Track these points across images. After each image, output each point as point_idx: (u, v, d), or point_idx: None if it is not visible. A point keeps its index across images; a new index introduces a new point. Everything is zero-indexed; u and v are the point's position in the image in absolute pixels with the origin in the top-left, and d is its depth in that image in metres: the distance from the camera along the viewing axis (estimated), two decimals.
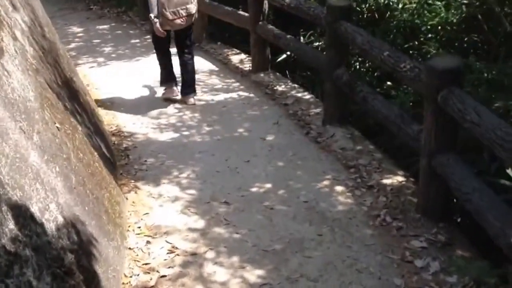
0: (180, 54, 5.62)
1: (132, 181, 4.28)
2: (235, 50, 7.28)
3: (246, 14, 6.44)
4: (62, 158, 3.06)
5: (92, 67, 6.96)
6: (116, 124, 5.33)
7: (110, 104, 5.78)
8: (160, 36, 5.30)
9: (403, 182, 4.20)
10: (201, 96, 5.88)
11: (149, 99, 5.87)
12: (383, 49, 4.20)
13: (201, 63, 6.82)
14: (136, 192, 4.12)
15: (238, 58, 6.99)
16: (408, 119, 4.10)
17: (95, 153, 3.83)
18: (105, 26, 8.74)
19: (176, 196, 4.09)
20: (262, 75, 6.33)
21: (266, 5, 6.19)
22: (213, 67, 6.71)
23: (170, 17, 5.13)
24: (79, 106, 4.25)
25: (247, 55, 6.97)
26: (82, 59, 7.33)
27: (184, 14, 5.19)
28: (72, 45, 7.97)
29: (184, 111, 5.55)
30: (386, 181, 4.22)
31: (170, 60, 5.71)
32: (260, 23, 6.21)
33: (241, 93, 5.94)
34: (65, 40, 8.17)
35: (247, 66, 6.65)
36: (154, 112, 5.55)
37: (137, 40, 7.99)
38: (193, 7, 5.23)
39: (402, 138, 4.15)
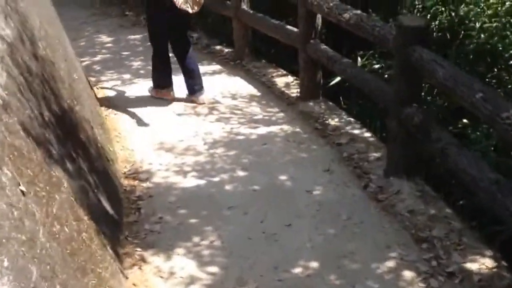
0: (176, 50, 5.40)
1: (139, 249, 3.31)
2: (282, 70, 6.26)
3: (295, 30, 5.42)
4: (19, 241, 2.11)
5: (116, 85, 6.06)
6: (132, 162, 4.39)
7: (129, 135, 4.85)
8: (161, 21, 5.03)
9: (495, 269, 3.12)
10: (237, 128, 4.89)
11: (175, 130, 4.91)
12: (474, 89, 3.12)
13: (241, 86, 5.84)
14: (140, 268, 3.15)
15: (284, 81, 5.97)
16: (508, 187, 3.01)
17: (86, 217, 2.87)
18: (137, 36, 7.86)
19: (192, 277, 3.10)
20: (311, 104, 5.30)
21: (319, 20, 5.15)
22: (255, 91, 5.71)
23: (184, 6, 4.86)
24: (76, 147, 3.31)
25: (295, 78, 5.95)
26: (106, 75, 6.44)
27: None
28: (98, 57, 7.11)
29: (216, 148, 4.56)
30: (471, 265, 3.15)
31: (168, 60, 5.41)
32: (312, 41, 5.18)
33: (285, 126, 4.92)
34: (92, 50, 7.34)
35: (295, 91, 5.63)
36: (179, 147, 4.59)
37: (171, 55, 7.04)
38: None
39: (497, 212, 3.07)
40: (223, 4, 6.80)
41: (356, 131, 4.76)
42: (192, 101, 5.38)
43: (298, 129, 4.86)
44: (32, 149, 2.50)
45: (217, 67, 6.49)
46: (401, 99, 3.82)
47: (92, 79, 6.30)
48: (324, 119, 5.02)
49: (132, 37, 7.89)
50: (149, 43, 5.65)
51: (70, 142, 3.23)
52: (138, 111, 5.31)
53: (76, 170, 3.10)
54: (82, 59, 6.98)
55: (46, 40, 3.71)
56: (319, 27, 5.18)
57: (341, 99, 5.78)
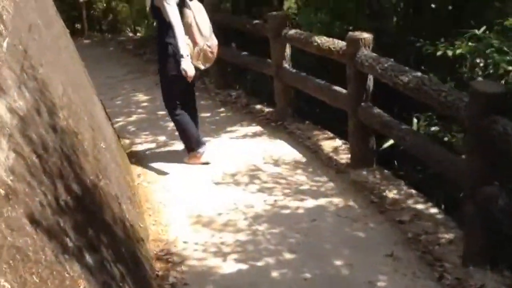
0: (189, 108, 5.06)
1: None
2: (328, 133, 5.76)
3: (344, 91, 4.94)
4: None
5: (150, 148, 5.63)
6: (165, 241, 3.89)
7: (162, 207, 4.37)
8: (186, 81, 4.72)
9: None
10: (282, 200, 4.37)
11: (213, 201, 4.42)
12: None
13: (284, 150, 5.35)
14: None
15: (331, 145, 5.46)
16: None
17: None
18: None
19: None
20: (364, 172, 4.75)
21: (371, 81, 4.67)
22: (299, 157, 5.20)
23: (202, 43, 4.76)
24: (99, 233, 2.83)
25: (343, 142, 5.44)
26: (140, 136, 6.04)
27: (214, 50, 4.87)
28: (133, 117, 6.74)
29: (258, 224, 4.04)
30: None
31: (196, 119, 5.15)
32: (363, 104, 4.69)
33: (336, 199, 4.38)
34: (127, 110, 6.99)
35: (344, 157, 5.10)
36: (217, 222, 4.09)
37: (208, 114, 6.64)
38: (214, 45, 4.88)
39: None
40: (264, 62, 6.40)
41: (420, 206, 4.19)
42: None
43: (351, 203, 4.31)
44: (40, 248, 2.02)
45: (257, 128, 6.03)
46: (477, 176, 3.27)
47: (126, 141, 5.91)
48: (380, 190, 4.47)
49: None
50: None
51: (91, 228, 2.76)
52: (173, 178, 4.85)
53: (98, 262, 2.61)
54: (117, 120, 6.63)
55: (69, 109, 3.30)
56: (371, 89, 4.70)
57: (395, 163, 5.22)
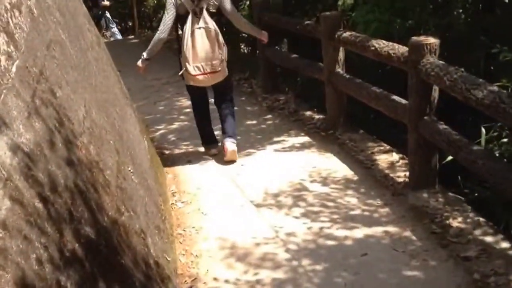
0: (218, 109, 5.23)
1: None
2: (384, 145, 5.18)
3: (404, 102, 4.36)
4: None
5: (189, 162, 5.21)
6: (194, 276, 3.44)
7: (195, 234, 3.93)
8: (193, 86, 5.00)
9: None
10: (328, 228, 3.85)
11: (251, 227, 3.94)
12: None
13: (334, 165, 4.82)
14: None
15: (387, 159, 4.89)
16: None
17: None
18: None
19: None
20: (425, 195, 4.17)
21: (436, 92, 4.07)
22: (351, 174, 4.65)
23: (193, 72, 4.77)
24: (113, 283, 2.41)
25: (401, 156, 4.86)
26: (180, 147, 5.63)
27: (208, 70, 4.78)
28: (175, 124, 6.34)
29: (300, 258, 3.54)
30: None
31: (206, 116, 5.26)
32: (426, 118, 4.09)
33: (391, 228, 3.82)
34: (169, 117, 6.61)
35: (402, 175, 4.52)
36: (254, 254, 3.62)
37: (253, 122, 6.18)
38: (218, 64, 4.79)
39: None
40: (315, 66, 5.86)
41: (489, 238, 3.59)
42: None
43: (408, 233, 3.75)
44: None
45: (305, 139, 5.51)
46: None
47: (166, 152, 5.51)
48: (443, 217, 3.88)
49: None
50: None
51: (103, 279, 2.33)
52: (210, 198, 4.41)
53: None
54: (157, 127, 6.28)
55: (90, 134, 2.90)
56: (435, 101, 4.10)
57: (459, 179, 4.58)
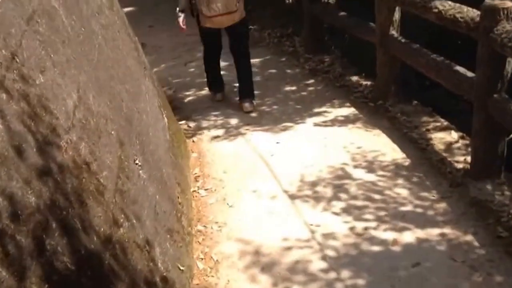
0: (234, 57, 5.13)
1: None
2: (441, 120, 4.50)
3: (470, 75, 3.65)
4: None
5: (217, 138, 4.65)
6: (214, 285, 2.94)
7: (215, 233, 3.40)
8: (207, 30, 4.86)
9: None
10: (374, 228, 3.26)
11: (281, 225, 3.39)
12: None
13: (382, 146, 4.18)
14: None
15: (445, 139, 4.21)
16: None
17: None
18: (255, 60, 6.39)
19: None
20: (488, 187, 3.52)
21: (510, 66, 3.35)
22: (402, 157, 4.01)
23: (208, 13, 4.63)
24: None
25: (461, 135, 4.18)
26: (209, 118, 5.06)
27: (223, 11, 4.63)
28: (205, 90, 5.73)
29: (339, 268, 2.98)
30: None
31: (216, 63, 5.28)
32: (496, 96, 3.40)
33: (449, 230, 3.20)
34: (199, 81, 6.00)
35: (461, 160, 3.86)
36: (283, 263, 3.08)
37: (293, 88, 5.54)
38: (235, 3, 4.63)
39: None
40: (366, 27, 5.13)
41: None
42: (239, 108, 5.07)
43: (469, 237, 3.13)
44: None
45: (350, 111, 4.86)
46: None
47: (191, 125, 4.98)
48: (510, 216, 3.23)
49: (252, 60, 6.43)
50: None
51: None
52: (238, 186, 3.86)
53: None
54: (186, 93, 5.72)
55: (83, 127, 2.36)
56: (508, 76, 3.38)
57: None
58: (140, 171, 2.89)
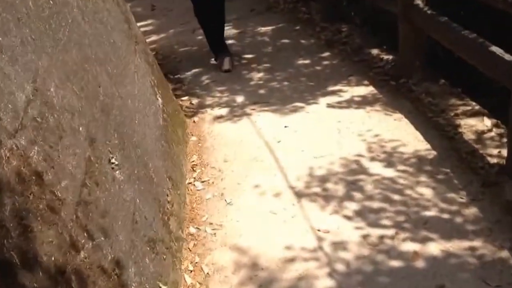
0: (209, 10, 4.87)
1: None
2: (471, 103, 3.99)
3: (508, 58, 3.12)
4: None
5: (220, 118, 4.20)
6: None
7: (211, 234, 2.97)
8: None
9: None
10: (391, 238, 2.80)
11: (284, 235, 2.95)
12: None
13: (403, 133, 3.70)
14: None
15: (476, 127, 3.70)
16: None
17: None
18: (268, 28, 5.90)
19: None
20: None
21: None
22: (425, 148, 3.52)
23: None
24: None
25: (495, 123, 3.68)
26: (213, 94, 4.61)
27: None
28: (213, 61, 5.28)
29: None
30: None
31: (208, 19, 4.95)
32: None
33: (479, 243, 2.72)
34: (206, 50, 5.53)
35: (495, 153, 3.37)
36: (284, 279, 2.65)
37: (307, 61, 5.04)
38: None
39: None
40: None
41: None
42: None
43: (505, 253, 2.66)
44: None
45: (369, 90, 4.36)
46: None
47: (194, 100, 4.52)
48: None
49: (263, 29, 5.93)
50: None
51: None
52: (238, 178, 3.41)
53: None
54: (192, 64, 5.24)
55: (37, 127, 1.90)
56: None
57: None
58: (117, 172, 2.46)
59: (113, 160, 2.45)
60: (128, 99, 2.95)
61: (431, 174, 3.26)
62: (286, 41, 5.58)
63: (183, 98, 4.57)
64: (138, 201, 2.55)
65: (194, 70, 5.13)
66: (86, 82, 2.49)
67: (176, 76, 5.06)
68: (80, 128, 2.26)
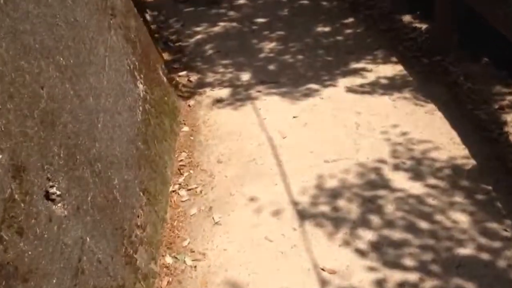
0: None
1: None
2: None
3: None
4: None
5: (220, 100, 3.59)
6: None
7: (191, 268, 2.42)
8: None
9: None
10: (415, 286, 2.21)
11: (278, 270, 2.38)
12: None
13: (435, 132, 3.05)
14: None
15: None
16: None
17: None
18: None
19: None
20: None
21: None
22: (461, 154, 2.87)
23: None
24: None
25: None
26: (216, 69, 3.97)
27: None
28: (219, 26, 4.62)
29: None
30: None
31: None
32: None
33: None
34: (215, 12, 4.86)
35: None
36: None
37: (327, 28, 4.36)
38: None
39: None
40: None
41: None
42: None
43: None
44: None
45: (397, 69, 3.70)
46: None
47: (193, 77, 3.91)
48: None
49: None
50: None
51: None
52: (232, 189, 2.82)
53: None
54: (195, 29, 4.62)
55: None
56: None
57: None
58: (57, 206, 1.89)
59: (53, 190, 1.87)
60: (90, 97, 2.35)
61: (469, 192, 2.63)
62: (304, 2, 4.87)
63: (180, 74, 3.95)
64: (88, 240, 1.99)
65: (197, 37, 4.49)
66: (19, 85, 1.89)
67: (177, 44, 4.43)
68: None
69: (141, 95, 2.92)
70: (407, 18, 4.33)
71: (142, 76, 3.02)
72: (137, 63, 3.00)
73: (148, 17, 4.88)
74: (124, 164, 2.43)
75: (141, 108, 2.85)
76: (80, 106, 2.23)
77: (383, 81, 3.58)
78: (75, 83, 2.25)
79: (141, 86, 2.95)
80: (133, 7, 3.46)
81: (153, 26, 4.69)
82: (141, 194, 2.49)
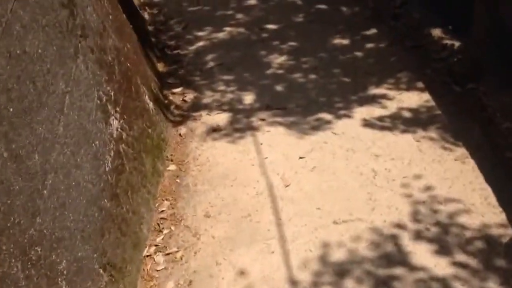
0: None
1: None
2: None
3: None
4: None
5: (217, 129, 3.10)
6: None
7: None
8: None
9: None
10: None
11: None
12: None
13: (466, 188, 2.54)
14: None
15: None
16: None
17: None
18: None
19: None
20: None
21: None
22: (497, 221, 2.37)
23: None
24: None
25: None
26: (216, 86, 3.49)
27: None
28: (224, 32, 4.11)
29: None
30: None
31: None
32: None
33: None
34: (220, 13, 4.37)
35: None
36: None
37: (345, 41, 3.85)
38: None
39: None
40: None
41: None
42: None
43: None
44: None
45: (423, 99, 3.19)
46: None
47: (188, 96, 3.44)
48: None
49: None
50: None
51: None
52: (218, 257, 2.36)
53: None
54: (197, 33, 4.14)
55: None
56: None
57: None
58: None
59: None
60: (34, 154, 1.87)
61: (505, 277, 2.12)
62: (323, 7, 4.35)
63: (175, 90, 3.48)
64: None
65: (199, 44, 3.99)
66: None
67: (175, 52, 3.94)
68: None
69: (114, 135, 2.44)
70: (437, 32, 3.78)
71: (118, 109, 2.54)
72: (112, 94, 2.52)
73: (146, 16, 4.39)
74: (78, 237, 1.97)
75: (112, 152, 2.37)
76: (17, 170, 1.76)
77: (406, 114, 3.06)
78: (11, 140, 1.77)
79: (115, 123, 2.48)
80: (118, 16, 2.97)
81: (150, 28, 4.21)
82: (101, 271, 2.03)
